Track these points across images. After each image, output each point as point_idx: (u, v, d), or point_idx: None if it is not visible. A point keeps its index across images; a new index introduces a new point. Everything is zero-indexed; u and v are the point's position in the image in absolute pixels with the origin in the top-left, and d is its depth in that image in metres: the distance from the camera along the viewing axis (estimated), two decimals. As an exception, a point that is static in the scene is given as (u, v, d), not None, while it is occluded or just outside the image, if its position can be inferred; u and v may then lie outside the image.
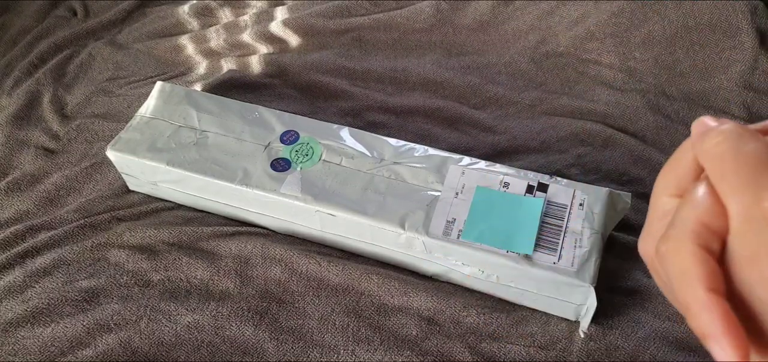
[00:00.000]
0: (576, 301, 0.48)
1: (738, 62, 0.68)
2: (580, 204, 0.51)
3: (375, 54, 0.75)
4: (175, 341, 0.50)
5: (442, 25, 0.76)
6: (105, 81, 0.75)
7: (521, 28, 0.75)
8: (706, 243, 0.20)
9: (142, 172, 0.59)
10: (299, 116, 0.60)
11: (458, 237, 0.50)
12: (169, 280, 0.54)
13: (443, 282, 0.54)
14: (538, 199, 0.51)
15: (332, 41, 0.76)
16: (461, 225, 0.50)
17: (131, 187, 0.62)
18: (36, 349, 0.50)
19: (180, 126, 0.59)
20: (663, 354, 0.48)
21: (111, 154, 0.58)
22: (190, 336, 0.50)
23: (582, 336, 0.49)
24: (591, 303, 0.47)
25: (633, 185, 0.60)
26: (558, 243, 0.49)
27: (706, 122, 0.22)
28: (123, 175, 0.61)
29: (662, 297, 0.51)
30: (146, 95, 0.63)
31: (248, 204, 0.56)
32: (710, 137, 0.20)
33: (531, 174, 0.53)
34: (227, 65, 0.74)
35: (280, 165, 0.56)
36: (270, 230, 0.58)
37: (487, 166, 0.54)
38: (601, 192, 0.52)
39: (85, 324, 0.51)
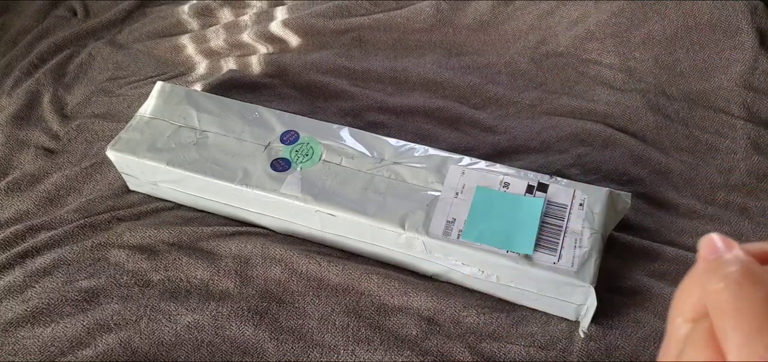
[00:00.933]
0: (576, 301, 0.48)
1: (738, 62, 0.68)
2: (580, 204, 0.51)
3: (375, 54, 0.75)
4: (175, 341, 0.50)
5: (442, 25, 0.76)
6: (105, 81, 0.74)
7: (521, 28, 0.75)
8: None
9: (142, 171, 0.59)
10: (299, 116, 0.60)
11: (458, 237, 0.50)
12: (169, 280, 0.54)
13: (443, 282, 0.54)
14: (538, 199, 0.51)
15: (332, 41, 0.76)
16: (461, 225, 0.50)
17: (131, 187, 0.62)
18: (36, 349, 0.50)
19: (180, 126, 0.59)
20: (663, 354, 0.48)
21: (111, 154, 0.58)
22: (190, 336, 0.50)
23: (582, 336, 0.49)
24: (591, 303, 0.47)
25: (633, 185, 0.60)
26: (558, 243, 0.49)
27: (713, 244, 0.21)
28: (123, 175, 0.61)
29: (662, 297, 0.51)
30: (146, 95, 0.63)
31: (248, 204, 0.56)
32: (713, 280, 0.20)
33: (531, 174, 0.53)
34: (227, 65, 0.74)
35: (280, 165, 0.56)
36: (270, 230, 0.58)
37: (487, 166, 0.54)
38: (601, 192, 0.52)
39: (85, 324, 0.51)
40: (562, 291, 0.48)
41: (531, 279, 0.49)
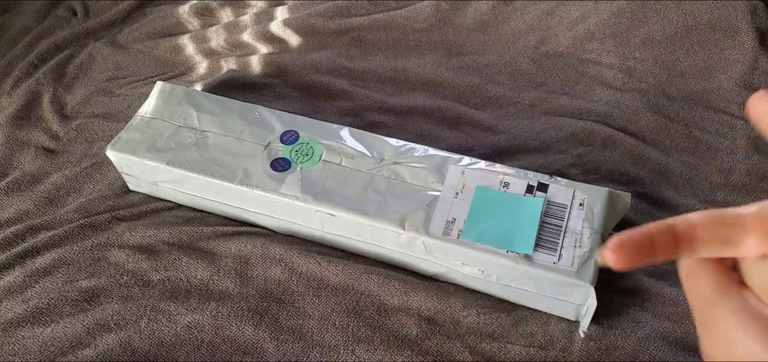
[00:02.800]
0: (576, 301, 0.48)
1: (738, 62, 0.68)
2: (580, 204, 0.51)
3: (375, 54, 0.75)
4: (175, 341, 0.50)
5: (442, 25, 0.76)
6: (105, 81, 0.75)
7: (521, 28, 0.75)
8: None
9: (142, 171, 0.59)
10: (299, 116, 0.60)
11: (458, 237, 0.50)
12: (169, 280, 0.54)
13: (443, 282, 0.54)
14: (538, 199, 0.51)
15: (332, 41, 0.76)
16: (461, 225, 0.50)
17: (131, 187, 0.62)
18: (36, 349, 0.50)
19: (180, 126, 0.59)
20: (663, 354, 0.48)
21: (111, 154, 0.58)
22: (190, 336, 0.50)
23: (582, 336, 0.49)
24: (591, 303, 0.47)
25: (633, 185, 0.60)
26: (558, 243, 0.49)
27: None
28: (123, 175, 0.61)
29: (662, 297, 0.51)
30: (146, 95, 0.63)
31: (248, 204, 0.56)
32: None
33: (531, 174, 0.53)
34: (227, 65, 0.74)
35: (280, 165, 0.56)
36: (270, 230, 0.58)
37: (487, 166, 0.54)
38: (601, 192, 0.52)
39: (85, 324, 0.51)
40: (562, 290, 0.48)
41: (531, 278, 0.49)
